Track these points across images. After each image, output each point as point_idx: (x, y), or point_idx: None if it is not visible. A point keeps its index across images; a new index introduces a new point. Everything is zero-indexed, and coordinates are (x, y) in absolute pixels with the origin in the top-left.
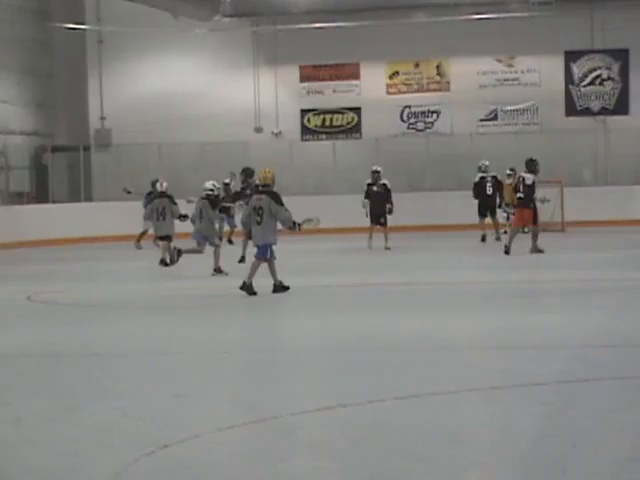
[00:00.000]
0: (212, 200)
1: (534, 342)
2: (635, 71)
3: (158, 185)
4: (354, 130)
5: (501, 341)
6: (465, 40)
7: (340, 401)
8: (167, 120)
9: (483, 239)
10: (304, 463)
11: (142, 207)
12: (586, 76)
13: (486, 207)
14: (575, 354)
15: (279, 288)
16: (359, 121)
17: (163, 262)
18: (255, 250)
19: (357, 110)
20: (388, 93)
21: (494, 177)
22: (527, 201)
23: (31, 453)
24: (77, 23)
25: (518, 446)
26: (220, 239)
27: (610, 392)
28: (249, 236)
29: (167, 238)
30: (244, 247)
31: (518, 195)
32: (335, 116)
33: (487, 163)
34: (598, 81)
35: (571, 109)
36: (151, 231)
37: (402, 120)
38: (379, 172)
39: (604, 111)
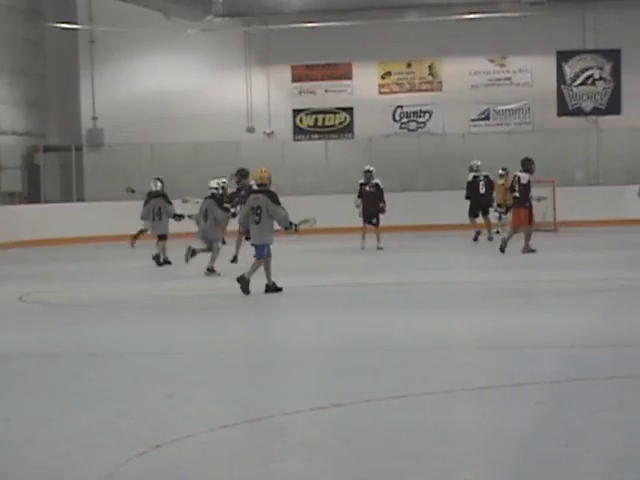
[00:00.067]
0: (218, 199)
1: (527, 342)
2: (627, 71)
3: (152, 185)
4: (346, 130)
5: (495, 341)
6: (457, 40)
7: (333, 401)
8: (159, 120)
9: (476, 238)
10: (296, 463)
11: (142, 207)
12: (578, 76)
13: (478, 206)
14: (568, 354)
15: (271, 289)
16: (351, 121)
17: (157, 259)
18: (251, 249)
19: (349, 110)
20: (380, 93)
21: (486, 176)
22: (523, 200)
23: (25, 453)
24: (69, 23)
25: (510, 446)
26: (223, 241)
27: (603, 392)
28: (247, 236)
29: (163, 237)
30: (237, 247)
31: (514, 194)
32: (327, 116)
33: (479, 163)
34: (590, 81)
35: (563, 109)
36: (150, 231)
37: (394, 120)
38: (371, 172)
39: (596, 111)
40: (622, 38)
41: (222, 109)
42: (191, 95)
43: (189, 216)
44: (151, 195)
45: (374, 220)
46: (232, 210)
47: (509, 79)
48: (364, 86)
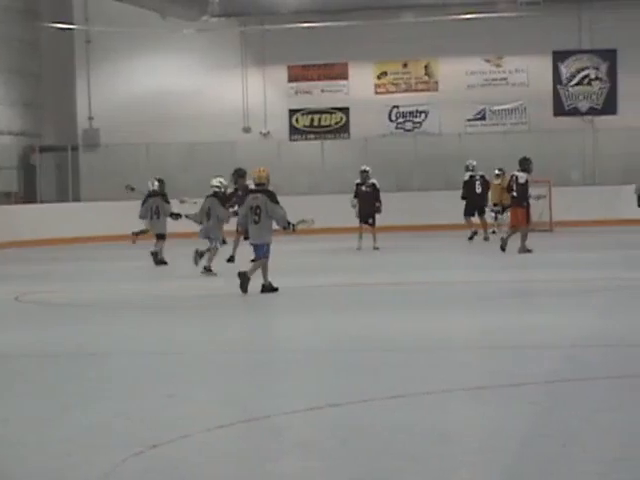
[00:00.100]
0: (221, 197)
1: (526, 342)
2: (623, 71)
3: (150, 184)
4: (342, 130)
5: (492, 341)
6: (453, 40)
7: (330, 401)
8: (155, 120)
9: (471, 237)
10: (293, 463)
11: (140, 206)
12: (574, 76)
13: (474, 206)
14: (566, 354)
15: (268, 289)
16: (347, 121)
17: (155, 256)
18: (249, 249)
19: (345, 110)
20: (376, 93)
21: (482, 176)
22: (520, 200)
23: (23, 453)
24: (65, 23)
25: (508, 446)
26: (224, 241)
27: (600, 392)
28: (245, 235)
29: (161, 237)
30: (235, 247)
31: (512, 194)
32: (323, 116)
33: (474, 163)
34: (586, 81)
35: (559, 109)
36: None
37: (390, 120)
38: (368, 172)
39: (592, 111)
40: (618, 38)
41: (218, 109)
42: (187, 95)
43: (186, 216)
44: (149, 194)
45: (370, 220)
46: (233, 209)
47: (505, 79)
48: (360, 86)
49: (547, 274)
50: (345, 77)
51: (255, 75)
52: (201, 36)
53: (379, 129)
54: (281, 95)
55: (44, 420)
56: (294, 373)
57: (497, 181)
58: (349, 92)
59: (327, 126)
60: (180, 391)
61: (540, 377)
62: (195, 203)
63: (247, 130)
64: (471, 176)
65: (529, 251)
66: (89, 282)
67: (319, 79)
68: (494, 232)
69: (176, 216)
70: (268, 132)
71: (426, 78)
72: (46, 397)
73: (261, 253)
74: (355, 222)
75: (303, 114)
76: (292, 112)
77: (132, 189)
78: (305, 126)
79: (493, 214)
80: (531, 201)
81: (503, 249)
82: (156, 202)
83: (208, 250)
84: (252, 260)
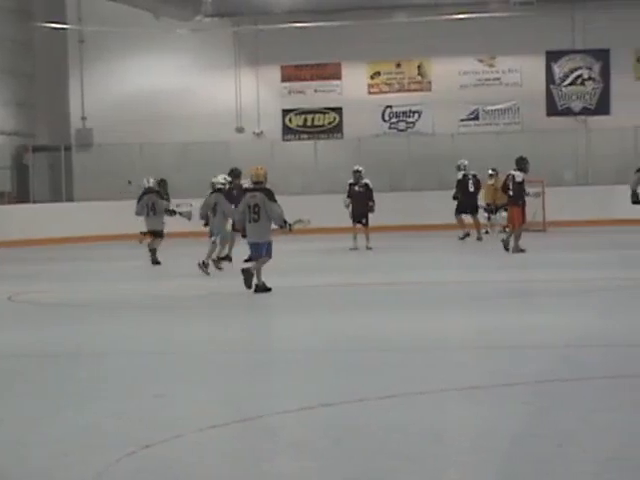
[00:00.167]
0: (226, 193)
1: (521, 342)
2: (616, 71)
3: (145, 181)
4: (335, 130)
5: (487, 341)
6: (446, 40)
7: (324, 401)
8: (149, 120)
9: (463, 237)
10: (287, 463)
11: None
12: (567, 76)
13: (467, 204)
14: (563, 354)
15: (261, 288)
16: (340, 121)
17: (153, 253)
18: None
19: (338, 110)
20: (369, 93)
21: (474, 176)
22: (516, 199)
23: (17, 454)
24: (58, 23)
25: (503, 446)
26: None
27: (596, 392)
28: (243, 234)
29: (159, 234)
30: (231, 246)
31: (508, 193)
32: (317, 116)
33: (466, 162)
34: (579, 81)
35: (552, 109)
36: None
37: (383, 120)
38: (360, 172)
39: (585, 111)
40: (611, 38)
41: (211, 109)
42: (180, 95)
43: (180, 213)
44: (144, 191)
45: (363, 220)
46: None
47: (498, 79)
48: (353, 86)
49: (542, 274)
50: (338, 77)
51: (248, 75)
52: (194, 36)
53: (372, 129)
54: (274, 95)
55: (38, 420)
56: (289, 373)
57: (490, 181)
58: (342, 92)
59: (320, 126)
60: (174, 391)
61: (536, 377)
62: (191, 205)
63: (240, 130)
64: (464, 175)
65: (522, 251)
66: (84, 282)
67: (312, 79)
68: (487, 232)
69: (172, 212)
70: (261, 132)
71: (419, 78)
72: (41, 397)
73: (261, 252)
74: (348, 222)
75: (296, 114)
76: (285, 112)
77: (129, 182)
78: (298, 126)
79: (486, 214)
80: (530, 199)
81: (507, 249)
82: (151, 199)
83: (212, 249)
84: (245, 260)
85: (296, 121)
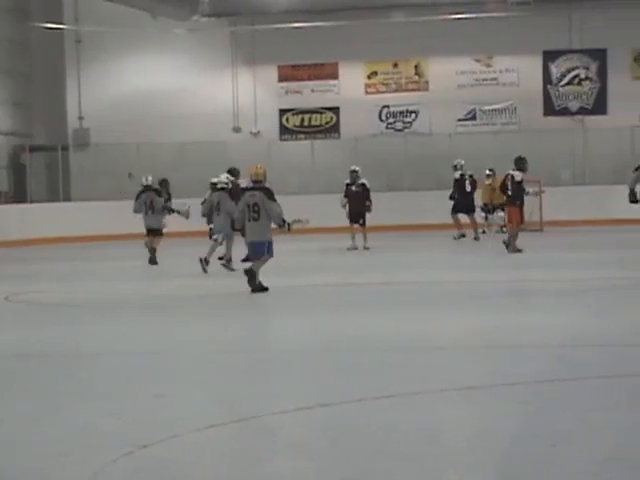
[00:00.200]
0: (229, 191)
1: (519, 341)
2: (613, 71)
3: (144, 179)
4: (332, 130)
5: (486, 341)
6: (443, 40)
7: (322, 401)
8: (146, 120)
9: (459, 237)
10: (284, 463)
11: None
12: (564, 76)
13: (463, 204)
14: (559, 353)
15: (258, 288)
16: (337, 121)
17: (154, 252)
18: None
19: (335, 110)
20: (366, 93)
21: (471, 175)
22: (514, 198)
23: (14, 453)
24: (55, 23)
25: (501, 446)
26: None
27: (593, 391)
28: (242, 232)
29: (157, 232)
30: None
31: (507, 192)
32: (313, 116)
33: (462, 162)
34: (576, 81)
35: (549, 109)
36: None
37: (380, 120)
38: (357, 172)
39: (582, 111)
40: (608, 38)
41: (209, 109)
42: (177, 95)
43: (178, 211)
44: (142, 189)
45: (360, 220)
46: None
47: (495, 79)
48: (350, 86)
49: (539, 274)
50: (335, 77)
51: (245, 75)
52: (191, 36)
53: (369, 129)
54: (271, 95)
55: (35, 420)
56: (288, 373)
57: (488, 181)
58: (339, 92)
59: (317, 126)
60: (172, 391)
61: (533, 377)
62: (187, 205)
63: (237, 130)
64: (461, 174)
65: (519, 251)
66: (83, 282)
67: (309, 79)
68: (484, 232)
69: (169, 210)
70: (258, 132)
71: (416, 78)
72: (39, 397)
73: (262, 251)
74: (346, 222)
75: (293, 114)
76: (282, 112)
77: (129, 175)
78: (295, 126)
79: (483, 214)
80: (529, 198)
81: (515, 250)
82: (149, 196)
83: (227, 262)
84: (243, 260)
85: (293, 121)
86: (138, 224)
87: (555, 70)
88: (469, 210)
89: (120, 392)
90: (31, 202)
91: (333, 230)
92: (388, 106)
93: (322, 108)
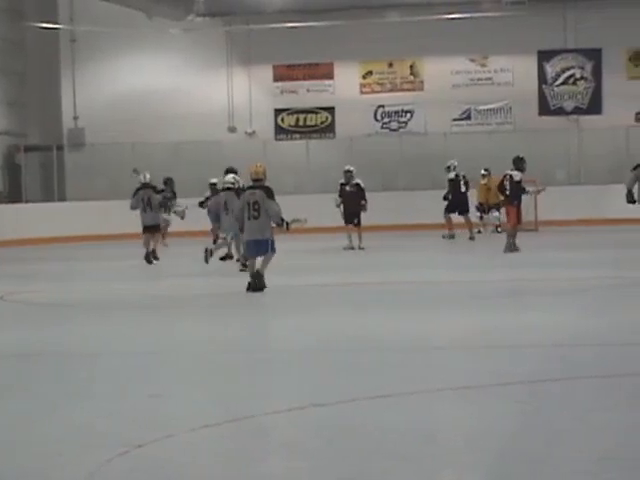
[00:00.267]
0: (237, 191)
1: (516, 341)
2: (608, 71)
3: (141, 177)
4: (328, 130)
5: (482, 340)
6: (438, 40)
7: (318, 401)
8: (141, 119)
9: (450, 238)
10: (279, 463)
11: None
12: (559, 76)
13: (457, 205)
14: (556, 353)
15: (257, 287)
16: (333, 121)
17: (153, 254)
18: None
19: (331, 110)
20: (362, 93)
21: (464, 176)
22: (512, 198)
23: (9, 453)
24: (50, 22)
25: (498, 445)
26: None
27: (590, 391)
28: (242, 231)
29: (155, 229)
30: (229, 245)
31: (505, 192)
32: (309, 116)
33: (456, 163)
34: (571, 81)
35: (544, 109)
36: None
37: (376, 120)
38: (351, 172)
39: (577, 110)
40: (603, 37)
41: (204, 108)
42: (173, 94)
43: (174, 212)
44: (140, 186)
45: (355, 220)
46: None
47: (490, 79)
48: (345, 86)
49: (536, 273)
50: (330, 77)
51: (240, 75)
52: (186, 36)
53: (364, 129)
54: (266, 95)
55: (31, 420)
56: (284, 373)
57: (483, 181)
58: (334, 92)
59: (312, 126)
60: (168, 391)
61: (530, 376)
62: (187, 208)
63: (232, 130)
64: (456, 175)
65: (517, 250)
66: (78, 281)
67: (304, 79)
68: (479, 232)
69: (166, 208)
70: (253, 131)
71: (411, 78)
72: (34, 397)
73: (265, 248)
74: (341, 221)
75: (288, 114)
76: (277, 112)
77: (134, 170)
78: (290, 126)
79: (478, 214)
80: (525, 197)
81: (512, 249)
82: (147, 193)
83: (220, 246)
84: (237, 260)
85: (288, 121)
86: (133, 224)
87: (550, 70)
88: (463, 210)
89: (116, 392)
90: (26, 202)
91: (329, 230)
92: (383, 106)
93: (317, 108)
